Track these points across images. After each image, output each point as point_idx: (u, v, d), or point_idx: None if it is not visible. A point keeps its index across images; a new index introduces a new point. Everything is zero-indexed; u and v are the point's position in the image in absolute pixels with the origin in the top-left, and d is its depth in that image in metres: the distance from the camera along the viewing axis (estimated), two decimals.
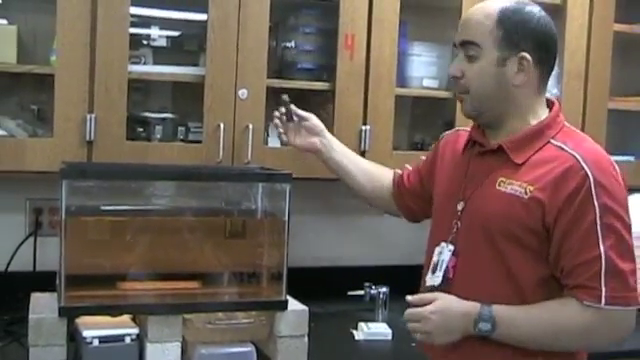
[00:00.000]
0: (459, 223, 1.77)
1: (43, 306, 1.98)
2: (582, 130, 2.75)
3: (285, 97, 2.15)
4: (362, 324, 2.40)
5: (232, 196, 2.26)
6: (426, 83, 2.70)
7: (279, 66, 2.59)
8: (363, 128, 2.48)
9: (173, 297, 2.07)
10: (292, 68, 2.57)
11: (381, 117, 2.51)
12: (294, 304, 2.13)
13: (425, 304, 1.69)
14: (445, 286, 1.75)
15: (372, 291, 2.60)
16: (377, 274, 2.68)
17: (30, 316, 1.93)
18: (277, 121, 2.16)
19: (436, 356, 1.81)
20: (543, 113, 1.77)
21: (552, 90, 2.79)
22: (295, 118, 2.16)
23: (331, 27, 2.51)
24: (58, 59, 2.18)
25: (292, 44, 2.57)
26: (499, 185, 1.71)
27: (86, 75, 2.19)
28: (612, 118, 2.89)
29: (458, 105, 1.99)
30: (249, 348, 2.06)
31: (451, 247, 1.76)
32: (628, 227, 1.66)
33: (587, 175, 1.62)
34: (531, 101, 1.75)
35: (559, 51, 2.73)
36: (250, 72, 2.35)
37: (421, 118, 2.90)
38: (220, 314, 2.08)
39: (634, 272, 1.64)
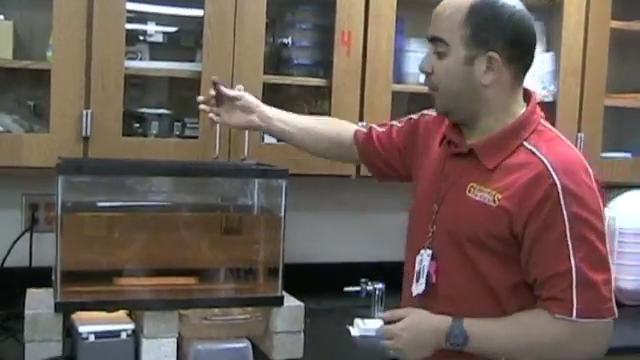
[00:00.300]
0: (434, 227, 1.73)
1: (39, 302, 1.99)
2: (578, 127, 2.79)
3: (215, 78, 2.08)
4: (358, 320, 2.41)
5: (228, 192, 2.27)
6: (423, 79, 2.69)
7: (276, 62, 2.59)
8: (359, 124, 2.48)
9: (169, 293, 2.07)
10: (289, 64, 2.57)
11: (377, 113, 2.51)
12: (290, 300, 2.14)
13: (396, 320, 1.69)
14: (430, 292, 1.72)
15: (368, 287, 2.60)
16: (373, 270, 2.67)
17: (26, 312, 1.93)
18: (203, 106, 2.07)
19: None
20: (520, 109, 1.71)
21: (549, 87, 2.79)
22: (226, 99, 2.08)
23: (328, 23, 2.51)
24: (54, 55, 2.18)
25: (289, 40, 2.57)
26: (469, 191, 1.67)
27: (82, 71, 2.19)
28: (609, 115, 2.89)
29: None
30: (245, 344, 2.05)
31: (429, 252, 1.73)
32: (601, 235, 1.60)
33: (555, 183, 1.57)
34: (504, 100, 1.69)
35: (556, 48, 2.79)
36: (247, 68, 2.35)
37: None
38: (216, 310, 2.08)
39: (608, 282, 1.60)
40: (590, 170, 1.64)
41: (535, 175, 1.59)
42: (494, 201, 1.62)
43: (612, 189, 2.93)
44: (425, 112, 1.97)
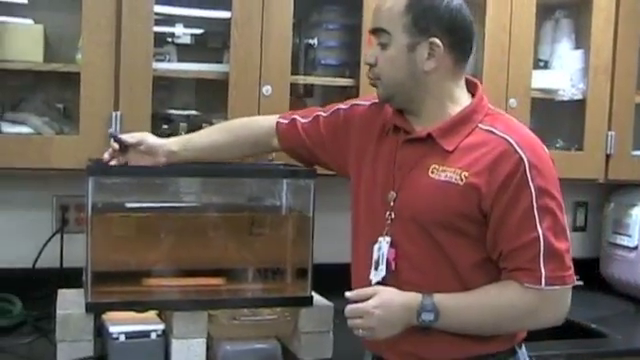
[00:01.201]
0: (392, 214, 1.74)
1: (70, 302, 2.00)
2: (609, 126, 2.77)
3: (111, 131, 2.03)
4: None
5: (256, 192, 2.27)
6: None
7: (303, 62, 2.59)
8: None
9: (198, 293, 2.08)
10: (315, 64, 2.57)
11: None
12: (319, 300, 2.14)
13: (365, 299, 1.67)
14: (389, 279, 1.72)
15: None
16: None
17: (57, 312, 1.95)
18: (113, 162, 1.99)
19: (381, 350, 1.79)
20: (464, 96, 1.76)
21: (578, 85, 2.77)
22: (130, 147, 2.00)
23: (354, 23, 2.51)
24: (84, 57, 2.20)
25: (315, 40, 2.58)
26: (432, 172, 1.70)
27: (111, 73, 2.21)
28: (639, 113, 2.86)
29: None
30: (274, 344, 2.06)
31: (388, 239, 1.74)
32: (561, 207, 1.68)
33: (522, 158, 1.63)
34: (447, 86, 1.74)
35: (585, 45, 2.76)
36: (274, 69, 2.36)
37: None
38: (245, 310, 2.09)
39: (569, 251, 1.68)
40: (545, 148, 1.72)
41: (501, 152, 1.65)
42: (461, 179, 1.66)
43: None
44: (357, 102, 1.97)
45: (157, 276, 2.08)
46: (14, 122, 2.27)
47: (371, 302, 1.66)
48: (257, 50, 2.34)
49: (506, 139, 1.66)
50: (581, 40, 2.82)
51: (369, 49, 2.41)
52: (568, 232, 1.69)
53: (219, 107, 2.39)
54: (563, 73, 2.78)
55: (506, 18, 2.61)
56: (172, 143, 2.04)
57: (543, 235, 1.63)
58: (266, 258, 2.19)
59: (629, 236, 2.89)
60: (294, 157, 2.10)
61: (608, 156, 2.79)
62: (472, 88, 1.79)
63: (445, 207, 1.67)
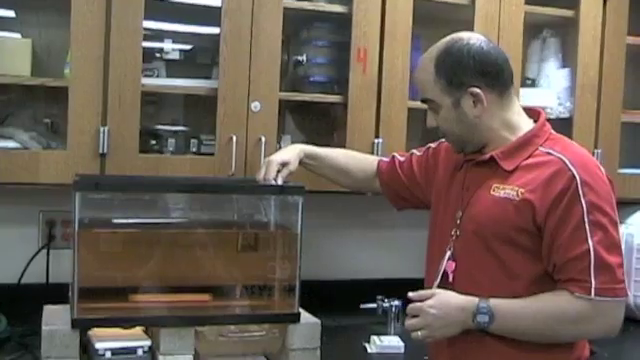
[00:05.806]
0: (458, 231, 1.86)
1: (56, 318, 1.99)
2: (595, 143, 2.78)
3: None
4: (374, 337, 2.39)
5: (245, 209, 2.26)
6: None
7: (291, 79, 2.60)
8: (375, 141, 2.48)
9: (185, 310, 2.07)
10: (304, 81, 2.58)
11: (393, 130, 2.52)
12: (306, 317, 2.13)
13: (424, 299, 1.78)
14: (448, 289, 1.83)
15: (385, 304, 2.60)
16: (390, 287, 2.66)
17: (43, 328, 1.93)
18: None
19: (434, 354, 1.91)
20: (523, 122, 1.87)
21: (565, 103, 2.79)
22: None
23: (343, 40, 2.52)
24: (72, 72, 2.20)
25: (304, 57, 2.58)
26: (493, 191, 1.81)
27: (100, 88, 2.21)
28: (625, 131, 2.88)
29: None
30: None
31: (449, 253, 1.86)
32: (614, 222, 1.75)
33: (574, 176, 1.72)
34: (500, 117, 1.85)
35: (572, 64, 2.78)
36: (263, 85, 2.36)
37: (433, 131, 2.89)
38: (232, 327, 2.09)
39: (621, 265, 1.74)
40: (602, 168, 1.81)
41: (555, 170, 1.75)
42: (517, 195, 1.76)
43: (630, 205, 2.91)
44: (444, 140, 2.07)
45: (144, 292, 2.07)
46: (1, 137, 2.26)
47: (428, 302, 1.78)
48: (246, 66, 2.34)
49: (561, 159, 1.76)
50: (568, 59, 2.85)
51: (357, 65, 2.46)
52: (622, 248, 1.76)
53: (208, 123, 2.40)
54: (550, 91, 2.80)
55: (494, 36, 2.62)
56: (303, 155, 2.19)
57: (594, 248, 1.70)
58: (254, 275, 2.18)
59: None
60: (389, 195, 2.23)
61: None
62: (535, 115, 1.90)
63: (503, 220, 1.77)
